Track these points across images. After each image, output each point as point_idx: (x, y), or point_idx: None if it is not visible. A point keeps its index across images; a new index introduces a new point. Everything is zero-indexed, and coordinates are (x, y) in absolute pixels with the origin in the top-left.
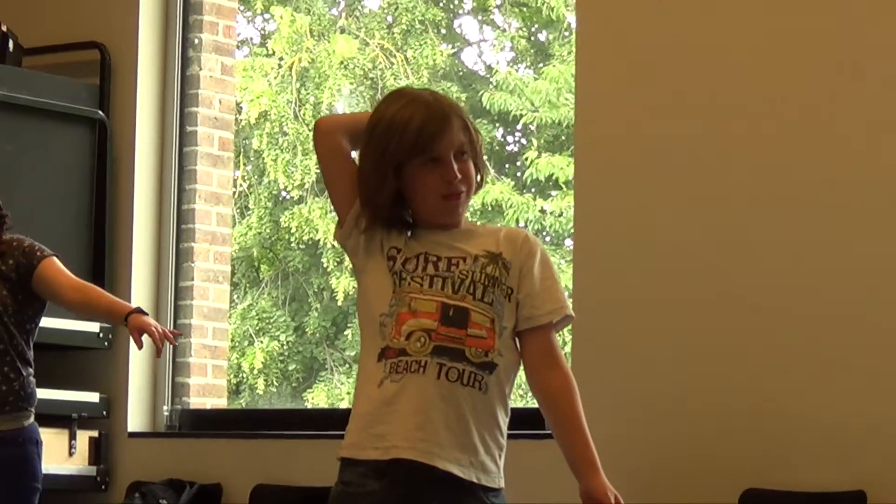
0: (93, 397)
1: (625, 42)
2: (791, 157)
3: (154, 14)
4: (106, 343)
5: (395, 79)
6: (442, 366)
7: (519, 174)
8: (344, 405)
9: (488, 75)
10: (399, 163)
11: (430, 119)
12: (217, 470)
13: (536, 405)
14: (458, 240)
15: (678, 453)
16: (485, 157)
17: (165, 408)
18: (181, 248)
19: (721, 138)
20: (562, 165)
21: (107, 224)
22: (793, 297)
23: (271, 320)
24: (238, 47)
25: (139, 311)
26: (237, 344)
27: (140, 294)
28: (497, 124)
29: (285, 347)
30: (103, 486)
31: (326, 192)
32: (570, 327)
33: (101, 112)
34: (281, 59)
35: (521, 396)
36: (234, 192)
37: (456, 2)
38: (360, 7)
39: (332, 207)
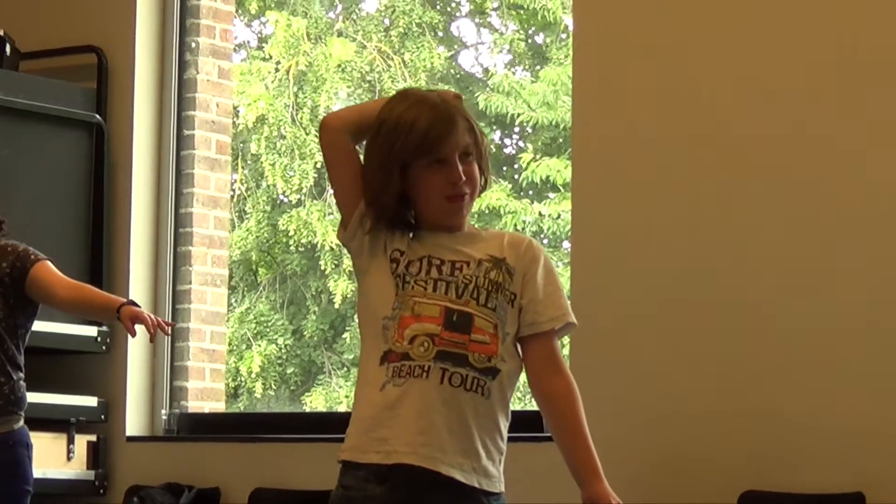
0: (91, 401)
1: (622, 44)
2: (789, 160)
3: (151, 18)
4: (104, 347)
5: (392, 81)
6: (445, 371)
7: (516, 177)
8: (342, 409)
9: (485, 78)
10: (404, 163)
11: (436, 120)
12: (215, 474)
13: (535, 408)
14: (462, 243)
15: (676, 455)
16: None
17: (164, 412)
18: (179, 251)
19: (719, 141)
20: (559, 168)
21: (104, 228)
22: (791, 300)
23: (269, 324)
24: (235, 51)
25: (131, 302)
26: (235, 347)
27: (138, 298)
28: (494, 127)
29: (283, 351)
30: (102, 491)
31: (330, 193)
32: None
33: (98, 116)
34: (278, 62)
35: (519, 399)
36: (232, 196)
37: (453, 4)
38: (357, 10)
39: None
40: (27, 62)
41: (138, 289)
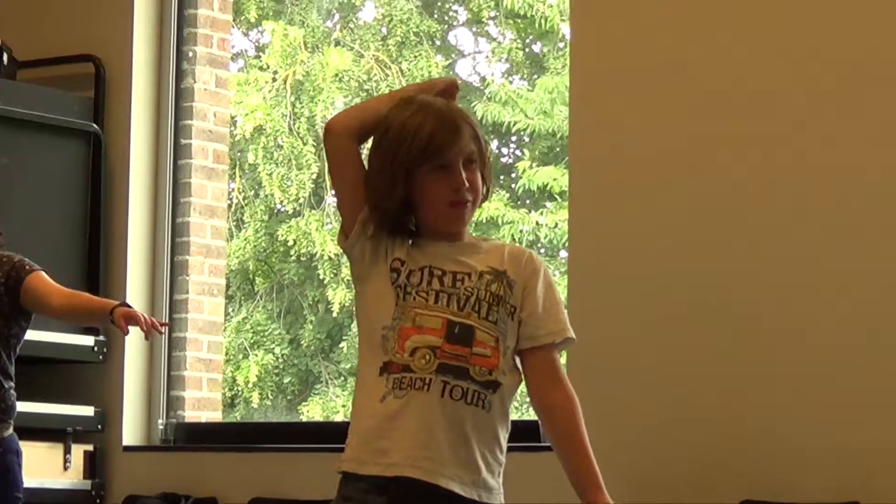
0: (87, 411)
1: (620, 53)
2: (787, 170)
3: (148, 27)
4: (101, 357)
5: (389, 90)
6: (446, 384)
7: (513, 186)
8: (339, 418)
9: (483, 87)
10: (408, 169)
11: (441, 126)
12: (212, 483)
13: (532, 418)
14: (463, 253)
15: (673, 465)
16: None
17: (160, 421)
18: (176, 260)
19: (716, 150)
20: (556, 176)
21: (101, 237)
22: (790, 310)
23: (266, 333)
24: (233, 60)
25: (125, 304)
26: (232, 357)
27: (135, 307)
28: (491, 136)
29: (280, 360)
30: (98, 501)
31: (328, 203)
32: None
33: (95, 125)
34: (275, 72)
35: (516, 409)
36: (230, 205)
37: (450, 14)
38: (354, 19)
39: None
40: (25, 71)
41: (135, 298)
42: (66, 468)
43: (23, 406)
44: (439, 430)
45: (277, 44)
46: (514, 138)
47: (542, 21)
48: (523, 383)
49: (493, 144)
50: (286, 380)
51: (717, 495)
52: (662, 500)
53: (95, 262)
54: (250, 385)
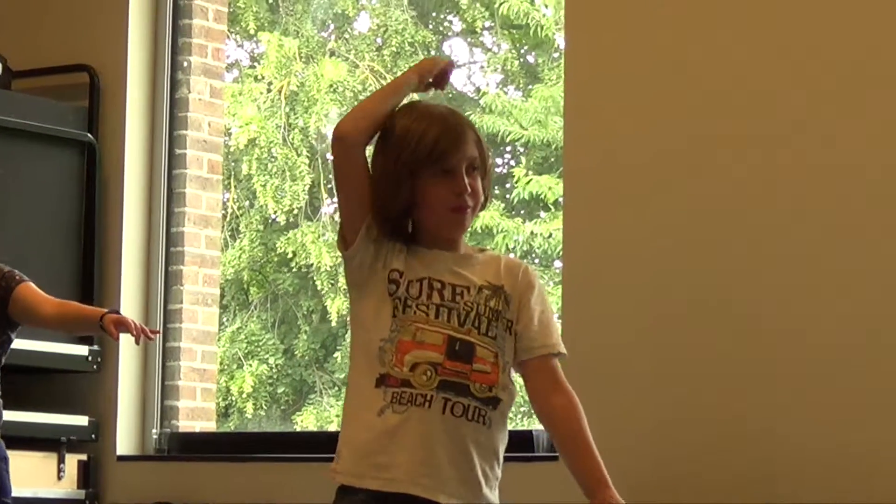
0: (81, 420)
1: (614, 63)
2: (785, 172)
3: (143, 37)
4: (95, 366)
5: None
6: (447, 400)
7: (507, 196)
8: (333, 428)
9: (477, 97)
10: (412, 172)
11: (445, 131)
12: (206, 493)
13: (525, 427)
14: (460, 265)
15: (668, 472)
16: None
17: (154, 431)
18: (170, 270)
19: (710, 159)
20: (550, 185)
21: (96, 247)
22: (788, 316)
23: (260, 343)
24: (227, 70)
25: (114, 311)
26: (226, 367)
27: (129, 316)
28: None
29: (274, 370)
30: None
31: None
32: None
33: (90, 135)
34: (270, 83)
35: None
36: (225, 215)
37: (445, 24)
38: (349, 30)
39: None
40: (19, 81)
41: (129, 308)
42: (59, 478)
43: (16, 415)
44: (440, 447)
45: (272, 54)
46: (508, 148)
47: (538, 30)
48: (520, 392)
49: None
50: (280, 390)
51: (716, 496)
52: (662, 500)
53: (90, 272)
54: (244, 395)
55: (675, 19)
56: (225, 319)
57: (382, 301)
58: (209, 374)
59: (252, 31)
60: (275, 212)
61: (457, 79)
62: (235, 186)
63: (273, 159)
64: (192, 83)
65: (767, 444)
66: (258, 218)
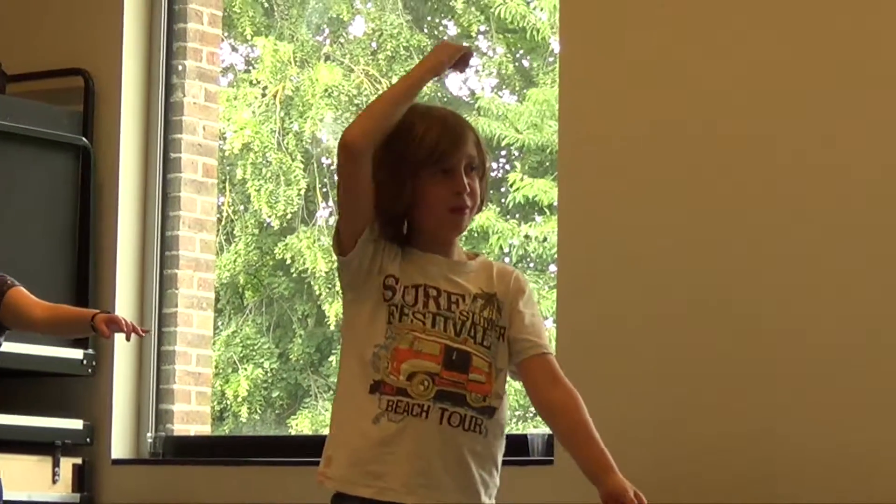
0: (76, 424)
1: (609, 66)
2: (780, 177)
3: (138, 41)
4: (89, 370)
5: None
6: (444, 411)
7: (503, 200)
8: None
9: (473, 101)
10: (414, 171)
11: (446, 131)
12: (201, 497)
13: (520, 431)
14: (454, 272)
15: (665, 476)
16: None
17: (149, 435)
18: (165, 274)
19: (706, 161)
20: (545, 189)
21: (90, 250)
22: (782, 317)
23: (255, 347)
24: (222, 74)
25: (106, 311)
26: (221, 371)
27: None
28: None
29: (269, 374)
30: None
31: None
32: (554, 353)
33: (84, 138)
34: (265, 88)
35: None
36: (220, 219)
37: (440, 28)
38: (344, 34)
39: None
40: (14, 85)
41: (124, 311)
42: (54, 481)
43: (11, 419)
44: (437, 457)
45: (267, 59)
46: (503, 152)
47: (533, 34)
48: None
49: None
50: (275, 394)
51: (716, 496)
52: (662, 500)
53: (84, 276)
54: (239, 399)
55: (670, 22)
56: (220, 323)
57: (377, 306)
58: (204, 378)
59: (248, 36)
60: (269, 216)
61: (452, 82)
62: (230, 190)
63: (268, 164)
64: (187, 87)
65: (767, 444)
66: (253, 222)
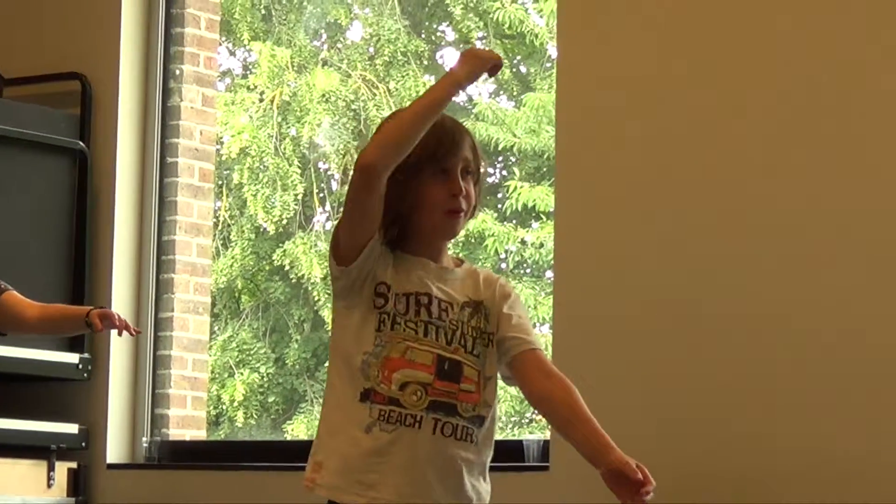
0: (72, 428)
1: (606, 71)
2: (776, 185)
3: (135, 45)
4: (85, 374)
5: (377, 110)
6: (437, 421)
7: (500, 206)
8: None
9: (470, 106)
10: (415, 171)
11: (445, 132)
12: (196, 501)
13: (515, 438)
14: (443, 279)
15: (662, 479)
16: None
17: (144, 439)
18: (161, 279)
19: (703, 168)
20: (542, 196)
21: (87, 254)
22: (776, 324)
23: (252, 352)
24: (220, 78)
25: (100, 307)
26: (217, 375)
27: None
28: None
29: (265, 379)
30: None
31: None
32: (550, 359)
33: (81, 142)
34: (262, 93)
35: (500, 429)
36: (216, 224)
37: (438, 33)
38: (341, 39)
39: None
40: (11, 88)
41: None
42: (49, 485)
43: (7, 423)
44: (430, 467)
45: (264, 64)
46: (500, 158)
47: (532, 39)
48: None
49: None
50: (271, 398)
51: (716, 496)
52: (663, 500)
53: (81, 280)
54: (235, 404)
55: (667, 28)
56: (216, 328)
57: (367, 313)
58: (200, 383)
59: (246, 41)
60: (265, 221)
61: None
62: (227, 195)
63: (265, 169)
64: (184, 92)
65: (766, 446)
66: (250, 227)
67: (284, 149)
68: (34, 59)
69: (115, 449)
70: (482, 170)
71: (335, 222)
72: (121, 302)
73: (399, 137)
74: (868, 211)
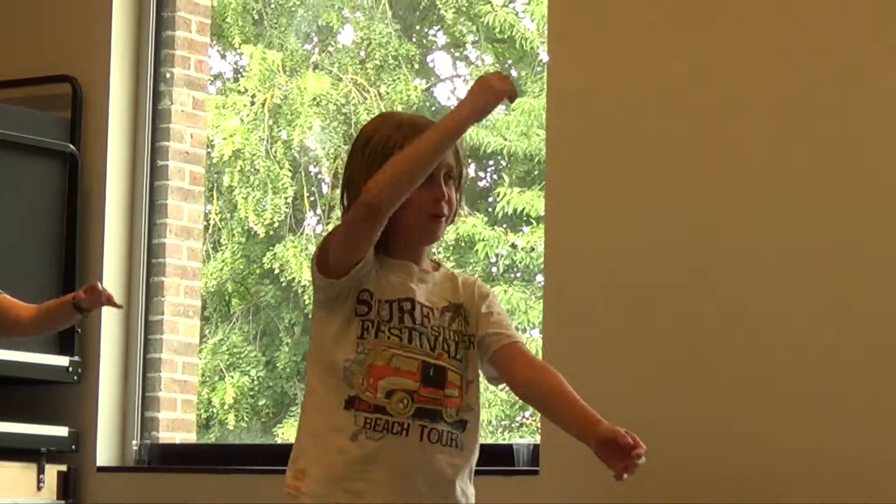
0: (62, 431)
1: (597, 75)
2: (768, 188)
3: (126, 48)
4: (75, 377)
5: (368, 114)
6: (424, 427)
7: (490, 210)
8: None
9: None
10: None
11: None
12: None
13: (504, 441)
14: (425, 282)
15: (658, 480)
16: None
17: (135, 442)
18: (151, 282)
19: (693, 173)
20: (532, 201)
21: (77, 257)
22: (776, 324)
23: (242, 355)
24: (210, 82)
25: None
26: (208, 379)
27: (110, 328)
28: (469, 160)
29: (256, 382)
30: None
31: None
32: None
33: (72, 145)
34: (253, 96)
35: (490, 433)
36: (206, 227)
37: (429, 37)
38: (332, 42)
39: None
40: (1, 91)
41: (110, 318)
42: (39, 488)
43: None
44: (419, 474)
45: (255, 67)
46: (491, 163)
47: (523, 43)
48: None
49: (471, 168)
50: (261, 402)
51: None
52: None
53: (71, 283)
54: (226, 407)
55: (658, 33)
56: (206, 331)
57: (349, 320)
58: (190, 386)
59: (237, 44)
60: (255, 224)
61: (441, 92)
62: (217, 198)
63: (255, 172)
64: (175, 95)
65: (765, 446)
66: (240, 230)
67: (275, 152)
68: (24, 61)
69: (105, 452)
70: (464, 175)
71: (326, 227)
72: None
73: (409, 175)
74: (868, 211)
